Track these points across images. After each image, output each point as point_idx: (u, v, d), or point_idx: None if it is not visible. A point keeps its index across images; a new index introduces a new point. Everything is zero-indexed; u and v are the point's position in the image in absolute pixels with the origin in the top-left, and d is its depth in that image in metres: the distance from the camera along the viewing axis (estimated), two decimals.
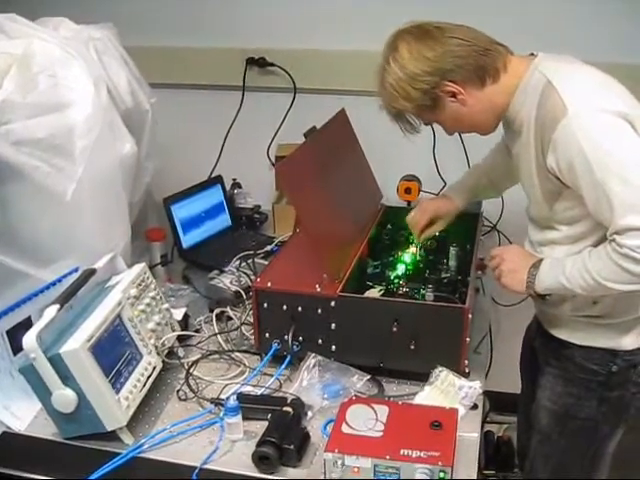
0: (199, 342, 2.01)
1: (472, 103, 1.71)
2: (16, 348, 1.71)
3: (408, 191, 2.62)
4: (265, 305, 1.86)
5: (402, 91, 1.71)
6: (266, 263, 2.25)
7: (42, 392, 1.57)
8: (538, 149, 1.66)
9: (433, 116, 1.78)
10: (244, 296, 2.12)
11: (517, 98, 1.70)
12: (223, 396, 1.76)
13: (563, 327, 1.86)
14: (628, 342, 1.78)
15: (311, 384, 1.77)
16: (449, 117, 1.76)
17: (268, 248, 2.50)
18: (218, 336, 2.02)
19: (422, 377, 1.78)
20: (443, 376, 1.75)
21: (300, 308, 1.83)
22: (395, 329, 1.78)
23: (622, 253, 1.52)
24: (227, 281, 2.21)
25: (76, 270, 1.88)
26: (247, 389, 1.80)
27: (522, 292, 1.77)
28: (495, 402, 2.44)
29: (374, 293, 1.98)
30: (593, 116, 1.56)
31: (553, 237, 1.75)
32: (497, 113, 1.76)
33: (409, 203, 2.63)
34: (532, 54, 1.74)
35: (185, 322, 2.06)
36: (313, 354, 1.82)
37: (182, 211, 2.58)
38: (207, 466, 1.56)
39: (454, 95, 1.70)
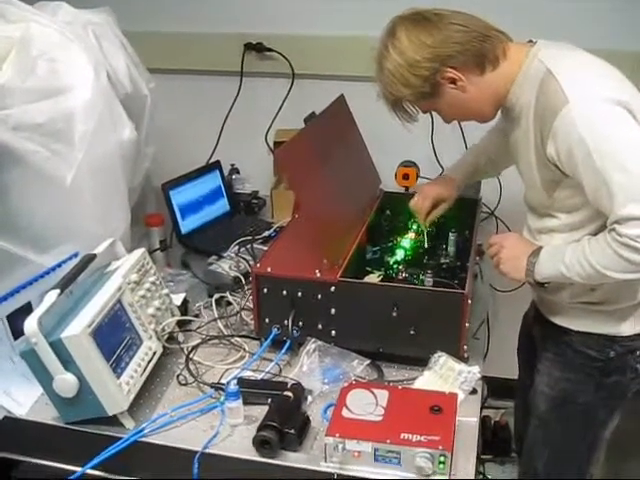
0: (199, 327, 2.01)
1: (472, 90, 1.71)
2: (16, 333, 1.72)
3: (406, 177, 2.62)
4: (265, 290, 1.86)
5: (401, 78, 1.71)
6: (265, 248, 2.25)
7: (43, 377, 1.57)
8: (537, 138, 1.66)
9: (432, 104, 1.77)
10: (243, 281, 2.13)
11: (516, 86, 1.70)
12: (223, 381, 1.76)
13: (561, 314, 1.87)
14: (626, 328, 1.79)
15: (311, 369, 1.77)
16: (448, 104, 1.76)
17: (266, 233, 2.50)
18: (218, 321, 2.02)
19: (421, 362, 1.78)
20: (442, 361, 1.76)
21: (300, 293, 1.83)
22: (395, 314, 1.78)
23: (622, 242, 1.52)
24: (226, 266, 2.21)
25: (76, 255, 1.87)
26: (247, 374, 1.81)
27: (521, 280, 1.78)
28: (492, 387, 2.45)
29: (373, 278, 1.99)
30: (593, 105, 1.56)
31: (552, 225, 1.76)
32: (496, 100, 1.75)
33: (407, 189, 2.63)
34: (530, 41, 1.74)
35: (184, 307, 2.06)
36: (313, 339, 1.82)
37: (180, 196, 2.58)
38: (208, 450, 1.57)
39: (454, 82, 1.70)
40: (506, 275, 1.80)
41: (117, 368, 1.61)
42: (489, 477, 2.81)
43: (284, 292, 1.84)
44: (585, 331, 1.83)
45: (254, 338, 1.95)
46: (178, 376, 1.81)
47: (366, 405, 1.58)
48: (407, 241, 2.19)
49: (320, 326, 1.85)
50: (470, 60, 1.68)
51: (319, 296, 1.82)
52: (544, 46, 1.70)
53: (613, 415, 1.92)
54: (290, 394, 1.65)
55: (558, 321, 1.88)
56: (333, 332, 1.84)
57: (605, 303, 1.77)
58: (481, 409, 1.79)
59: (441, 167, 2.77)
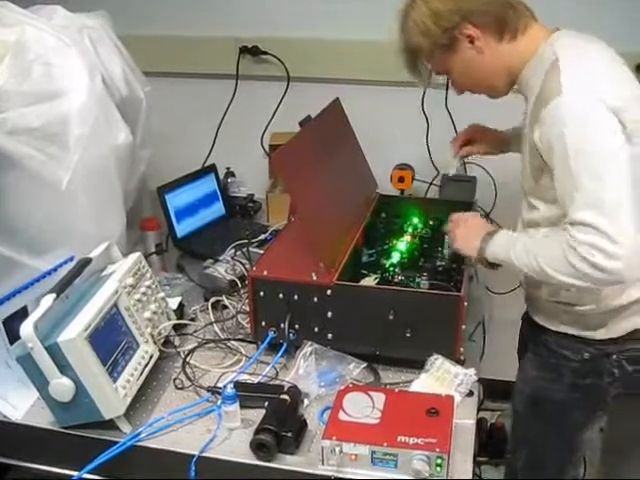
0: (195, 331, 2.01)
1: (487, 54, 1.72)
2: (12, 337, 1.71)
3: (402, 180, 2.62)
4: (261, 294, 1.86)
5: (423, 26, 1.71)
6: (260, 252, 2.25)
7: (39, 381, 1.57)
8: (531, 123, 1.67)
9: (447, 60, 1.77)
10: (239, 285, 2.13)
11: (529, 68, 1.71)
12: (220, 384, 1.76)
13: (541, 312, 1.89)
14: (599, 332, 1.78)
15: (307, 372, 1.77)
16: (462, 64, 1.76)
17: (262, 237, 2.50)
18: (214, 325, 2.02)
19: (418, 365, 1.78)
20: (439, 363, 1.76)
21: (296, 296, 1.83)
22: (391, 317, 1.78)
23: (570, 245, 1.53)
24: (222, 270, 2.21)
25: (71, 259, 1.87)
26: (244, 377, 1.81)
27: (474, 257, 1.81)
28: (488, 389, 2.45)
29: (369, 281, 1.98)
30: (584, 103, 1.56)
31: (535, 217, 1.76)
32: (509, 75, 1.76)
33: (403, 191, 2.64)
34: (558, 29, 1.73)
35: (180, 311, 2.06)
36: (309, 342, 1.82)
37: (176, 200, 2.58)
38: (205, 454, 1.57)
39: (472, 41, 1.70)
40: (460, 252, 1.86)
41: (113, 372, 1.61)
42: (485, 479, 2.81)
43: (280, 295, 1.84)
44: (561, 331, 1.83)
45: (250, 341, 1.95)
46: (175, 380, 1.81)
47: (363, 408, 1.58)
48: (403, 244, 2.19)
49: (316, 329, 1.85)
50: (491, 22, 1.69)
51: (315, 299, 1.82)
52: (565, 35, 1.70)
53: (592, 418, 1.91)
54: (287, 397, 1.65)
55: (538, 319, 1.89)
56: (329, 335, 1.84)
57: (579, 304, 1.76)
58: (477, 411, 1.79)
59: (436, 169, 2.78)
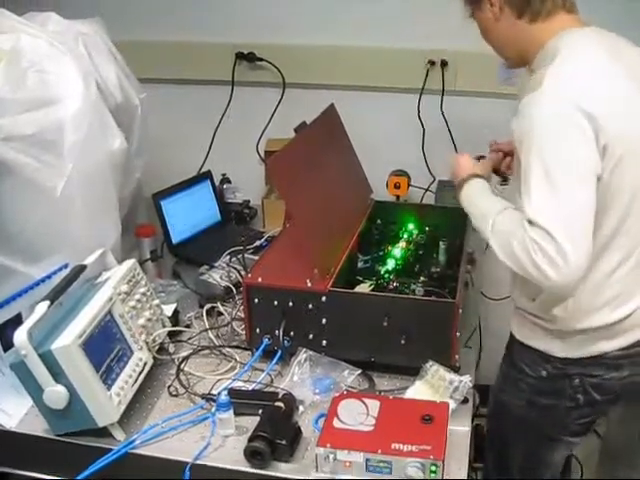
0: (190, 338, 2.01)
1: (503, 23, 1.72)
2: (6, 345, 1.70)
3: (397, 186, 2.62)
4: (256, 300, 1.86)
5: None
6: (256, 258, 2.24)
7: (33, 389, 1.56)
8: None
9: (474, 13, 1.79)
10: (234, 291, 2.13)
11: (539, 57, 1.68)
12: (214, 391, 1.76)
13: (513, 317, 1.88)
14: (558, 348, 1.75)
15: (302, 379, 1.77)
16: (481, 23, 1.78)
17: (258, 243, 2.49)
18: (209, 332, 2.02)
19: (413, 371, 1.78)
20: (433, 370, 1.75)
21: (291, 303, 1.83)
22: (386, 324, 1.78)
23: (522, 237, 1.52)
24: (217, 276, 2.21)
25: (66, 266, 1.87)
26: (238, 384, 1.80)
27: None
28: (484, 395, 2.45)
29: (364, 288, 1.99)
30: (557, 104, 1.53)
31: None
32: (517, 51, 1.75)
33: (398, 198, 2.64)
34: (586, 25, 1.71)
35: (175, 318, 2.06)
36: (304, 349, 1.82)
37: (171, 206, 2.58)
38: (199, 461, 1.56)
39: (492, 4, 1.70)
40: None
41: (107, 379, 1.61)
42: None
43: (275, 302, 1.84)
44: (524, 342, 1.82)
45: (245, 348, 1.94)
46: (169, 387, 1.81)
47: (357, 415, 1.58)
48: (398, 250, 2.19)
49: (311, 336, 1.84)
50: None
51: (310, 306, 1.82)
52: (579, 32, 1.66)
53: (555, 442, 1.87)
54: (281, 404, 1.64)
55: (511, 326, 1.89)
56: (324, 342, 1.84)
57: (544, 319, 1.75)
58: (473, 417, 1.79)
59: (432, 176, 2.79)
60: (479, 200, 1.76)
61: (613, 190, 1.57)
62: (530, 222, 1.52)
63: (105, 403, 1.58)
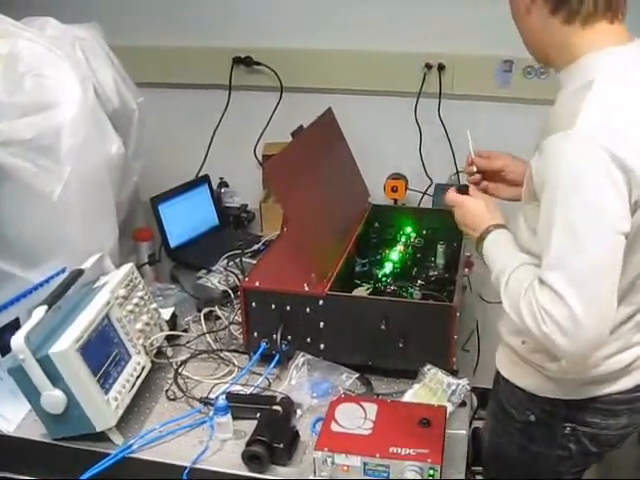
0: (188, 342, 2.00)
1: (534, 17, 1.48)
2: (4, 349, 1.70)
3: (395, 189, 2.63)
4: (253, 304, 1.86)
5: None
6: (254, 262, 2.25)
7: (31, 393, 1.56)
8: (539, 141, 1.44)
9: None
10: (232, 295, 2.13)
11: (567, 72, 1.48)
12: (212, 395, 1.75)
13: (498, 352, 1.75)
14: (548, 388, 1.60)
15: (300, 383, 1.77)
16: (512, 10, 1.54)
17: (255, 247, 2.49)
18: (207, 335, 2.01)
19: (411, 375, 1.78)
20: (431, 374, 1.75)
21: (288, 307, 1.83)
22: (383, 327, 1.78)
23: (530, 300, 1.38)
24: (215, 280, 2.21)
25: (63, 271, 1.87)
26: (236, 388, 1.80)
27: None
28: (483, 398, 2.45)
29: (362, 292, 1.99)
30: (593, 151, 1.32)
31: (521, 244, 1.58)
32: (543, 51, 1.54)
33: (396, 201, 2.64)
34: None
35: (173, 322, 2.05)
36: (302, 353, 1.82)
37: (169, 210, 2.57)
38: (197, 466, 1.56)
39: None
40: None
41: (105, 384, 1.61)
42: None
43: (273, 306, 1.84)
44: (510, 380, 1.68)
45: (243, 352, 1.94)
46: (167, 391, 1.81)
47: (355, 419, 1.58)
48: (396, 254, 2.19)
49: (309, 340, 1.84)
50: None
51: (307, 310, 1.82)
52: (623, 55, 1.44)
53: None
54: (279, 408, 1.64)
55: (496, 359, 1.75)
56: (322, 346, 1.84)
57: (529, 361, 1.62)
58: (471, 420, 1.79)
59: (429, 179, 2.79)
60: (500, 255, 1.57)
61: (637, 246, 1.43)
62: (541, 281, 1.37)
63: (103, 407, 1.58)
